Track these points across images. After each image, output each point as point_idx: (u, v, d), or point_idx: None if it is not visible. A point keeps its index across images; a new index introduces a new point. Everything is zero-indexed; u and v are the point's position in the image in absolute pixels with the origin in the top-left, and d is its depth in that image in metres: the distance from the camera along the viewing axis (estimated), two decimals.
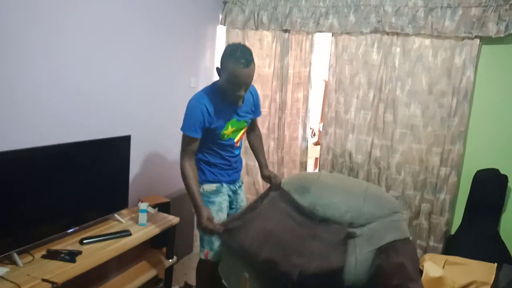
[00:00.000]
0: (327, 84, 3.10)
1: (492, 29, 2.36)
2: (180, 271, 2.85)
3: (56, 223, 1.84)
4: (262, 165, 2.20)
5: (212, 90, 1.84)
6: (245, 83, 1.72)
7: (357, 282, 2.15)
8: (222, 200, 1.98)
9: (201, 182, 1.93)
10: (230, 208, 2.16)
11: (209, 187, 1.94)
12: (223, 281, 1.97)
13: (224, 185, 2.00)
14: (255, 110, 2.09)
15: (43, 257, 1.69)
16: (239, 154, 2.11)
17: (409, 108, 2.72)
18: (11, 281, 1.45)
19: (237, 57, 1.64)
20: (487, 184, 2.51)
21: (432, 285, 1.75)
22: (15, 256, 1.62)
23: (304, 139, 3.16)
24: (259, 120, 3.25)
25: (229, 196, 2.06)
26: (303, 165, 3.19)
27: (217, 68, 1.77)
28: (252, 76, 1.74)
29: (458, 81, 2.54)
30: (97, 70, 2.15)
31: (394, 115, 2.77)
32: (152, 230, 2.11)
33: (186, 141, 1.80)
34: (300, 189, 2.44)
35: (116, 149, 2.12)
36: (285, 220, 2.13)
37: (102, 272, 2.05)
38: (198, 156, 1.93)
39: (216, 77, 1.88)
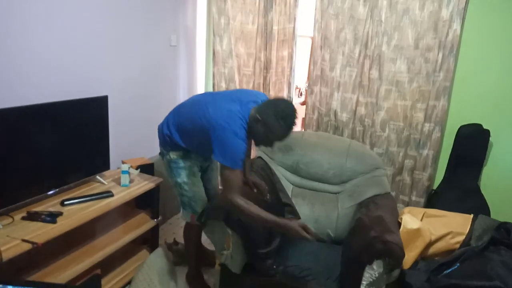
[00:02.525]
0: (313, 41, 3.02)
1: None
2: (169, 231, 2.90)
3: (36, 185, 1.82)
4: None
5: (244, 125, 1.68)
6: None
7: (338, 236, 2.21)
8: (192, 164, 1.94)
9: (168, 150, 1.90)
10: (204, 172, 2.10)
11: (176, 153, 1.90)
12: (208, 237, 2.02)
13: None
14: None
15: (23, 218, 1.69)
16: None
17: (395, 64, 2.67)
18: None
19: (289, 123, 1.62)
20: (470, 139, 2.52)
21: (410, 236, 1.80)
22: None
23: (290, 99, 3.12)
24: (244, 80, 3.20)
25: (200, 161, 2.01)
26: None
27: (256, 119, 1.64)
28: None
29: (444, 35, 2.48)
30: (71, 29, 2.05)
31: (380, 72, 2.72)
32: (134, 191, 2.12)
33: (237, 176, 1.66)
34: (284, 147, 2.44)
35: (93, 110, 2.07)
36: None
37: (88, 232, 2.08)
38: (177, 122, 1.85)
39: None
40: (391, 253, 1.62)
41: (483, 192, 2.56)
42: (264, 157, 2.46)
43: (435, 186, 2.77)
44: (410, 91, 2.67)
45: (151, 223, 2.31)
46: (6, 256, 1.41)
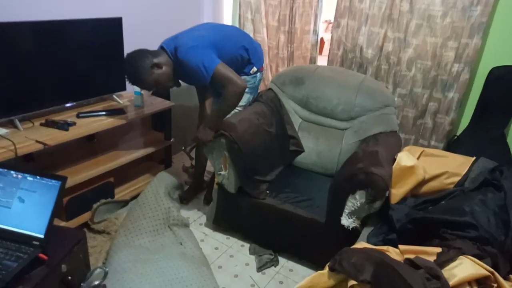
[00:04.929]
0: None
1: None
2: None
3: (55, 96, 2.03)
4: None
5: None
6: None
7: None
8: None
9: None
10: None
11: None
12: (208, 158, 2.14)
13: None
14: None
15: (41, 125, 1.91)
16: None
17: None
18: (8, 139, 1.68)
19: None
20: (501, 82, 2.31)
21: (403, 173, 1.76)
22: (16, 121, 1.84)
23: (315, 32, 3.00)
24: (270, 11, 3.11)
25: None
26: (312, 61, 3.09)
27: None
28: (145, 86, 1.93)
29: None
30: None
31: (411, 4, 2.50)
32: (145, 111, 2.26)
33: (224, 67, 1.82)
34: (295, 80, 2.42)
35: (108, 31, 2.17)
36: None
37: (105, 144, 2.32)
38: None
39: None
40: (373, 184, 1.63)
41: (508, 141, 2.39)
42: (275, 89, 2.46)
43: (458, 133, 2.63)
44: (442, 26, 2.44)
45: (163, 144, 2.48)
46: (20, 152, 1.64)
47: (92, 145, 2.28)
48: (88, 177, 2.02)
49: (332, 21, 3.69)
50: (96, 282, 1.39)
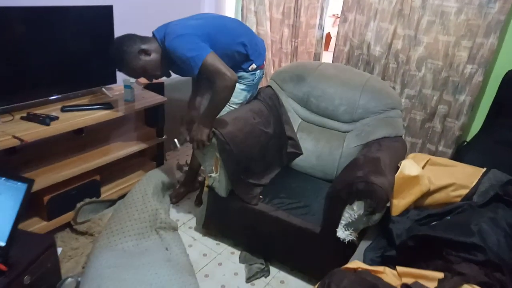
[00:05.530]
0: None
1: None
2: (184, 153, 3.00)
3: (38, 88, 1.91)
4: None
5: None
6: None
7: None
8: None
9: None
10: None
11: None
12: (198, 159, 2.02)
13: None
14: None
15: (22, 118, 1.80)
16: None
17: None
18: None
19: None
20: None
21: (406, 183, 1.62)
22: None
23: (320, 27, 2.85)
24: (274, 3, 2.96)
25: None
26: (317, 57, 2.94)
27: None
28: (131, 73, 1.83)
29: None
30: None
31: None
32: (135, 106, 2.14)
33: (215, 57, 1.66)
34: (296, 78, 2.28)
35: (98, 20, 2.04)
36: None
37: (99, 139, 2.22)
38: None
39: None
40: (372, 195, 1.50)
41: None
42: (274, 87, 2.32)
43: (468, 138, 2.47)
44: (455, 24, 2.27)
45: (155, 141, 2.36)
46: None
47: (79, 140, 2.17)
48: (73, 174, 1.91)
49: (339, 15, 3.53)
50: None
